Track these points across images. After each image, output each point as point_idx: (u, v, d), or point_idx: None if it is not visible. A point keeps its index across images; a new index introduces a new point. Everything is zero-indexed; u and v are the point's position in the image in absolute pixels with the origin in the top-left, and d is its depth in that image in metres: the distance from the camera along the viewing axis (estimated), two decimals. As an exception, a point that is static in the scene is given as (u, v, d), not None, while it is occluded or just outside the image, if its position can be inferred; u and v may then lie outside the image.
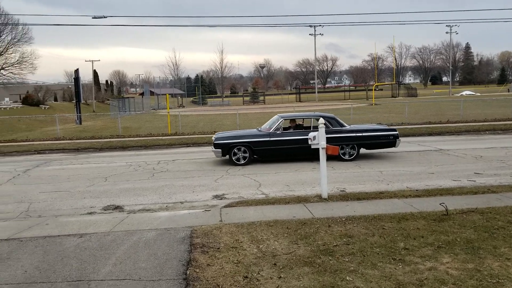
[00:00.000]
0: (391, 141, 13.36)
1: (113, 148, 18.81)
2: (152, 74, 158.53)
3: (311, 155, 12.88)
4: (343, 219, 6.85)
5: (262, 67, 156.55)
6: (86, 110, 55.54)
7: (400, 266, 4.99)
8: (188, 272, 4.97)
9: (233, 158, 13.13)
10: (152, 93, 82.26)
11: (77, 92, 40.03)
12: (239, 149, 13.13)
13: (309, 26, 71.66)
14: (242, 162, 13.07)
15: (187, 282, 4.73)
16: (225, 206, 8.07)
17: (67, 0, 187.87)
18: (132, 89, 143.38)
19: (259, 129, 14.02)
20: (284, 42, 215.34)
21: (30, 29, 64.14)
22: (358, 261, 5.16)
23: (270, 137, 13.14)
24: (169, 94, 33.46)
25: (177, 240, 6.12)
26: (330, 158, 13.05)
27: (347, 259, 5.23)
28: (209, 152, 16.18)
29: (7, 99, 68.40)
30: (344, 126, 13.40)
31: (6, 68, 64.76)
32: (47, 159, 16.14)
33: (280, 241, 5.92)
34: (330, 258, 5.29)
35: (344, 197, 8.32)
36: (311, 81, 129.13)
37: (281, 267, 5.07)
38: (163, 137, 21.91)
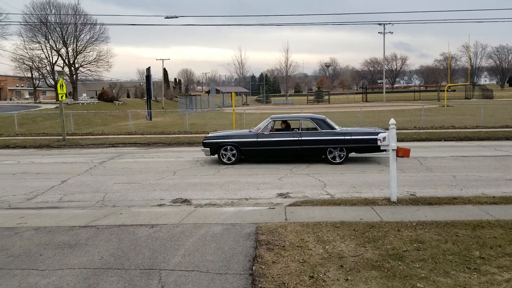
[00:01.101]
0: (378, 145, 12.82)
1: (180, 143, 19.42)
2: (218, 72, 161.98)
3: (296, 157, 13.16)
4: (413, 224, 6.60)
5: (327, 66, 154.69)
6: (156, 106, 57.79)
7: (475, 276, 4.72)
8: (254, 268, 5.03)
9: (222, 157, 13.27)
10: (217, 91, 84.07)
11: (148, 90, 41.78)
12: (226, 149, 13.26)
13: (378, 24, 69.65)
14: (231, 161, 13.16)
15: (253, 278, 4.77)
16: (290, 205, 8.06)
17: (140, 1, 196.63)
18: (199, 87, 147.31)
19: (251, 130, 13.92)
20: (351, 40, 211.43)
21: (106, 29, 67.84)
22: (430, 268, 4.95)
23: (257, 138, 13.17)
24: (234, 92, 33.99)
25: (243, 236, 6.20)
26: (317, 161, 13.35)
27: (417, 265, 5.04)
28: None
29: (84, 95, 72.85)
30: (334, 129, 13.12)
31: (84, 66, 68.95)
32: (120, 152, 16.99)
33: (347, 243, 5.82)
34: (399, 263, 5.12)
35: (414, 201, 8.01)
36: (379, 81, 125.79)
37: (348, 269, 4.98)
38: (229, 134, 22.27)
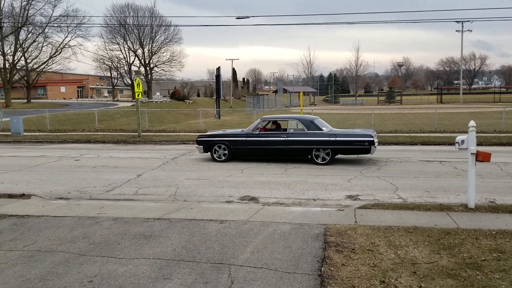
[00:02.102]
0: (365, 148, 12.70)
1: (248, 142, 19.64)
2: (286, 72, 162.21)
3: (283, 156, 13.50)
4: (493, 232, 6.19)
5: (400, 65, 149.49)
6: (224, 105, 58.99)
7: None
8: (323, 269, 4.97)
9: (214, 155, 13.89)
10: (285, 91, 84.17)
11: (217, 89, 42.82)
12: (219, 147, 13.86)
13: (456, 22, 66.13)
14: (222, 159, 13.76)
15: (322, 279, 4.73)
16: (360, 207, 7.88)
17: (211, 2, 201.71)
18: (266, 87, 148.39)
19: (243, 129, 14.37)
20: (425, 39, 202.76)
21: (180, 30, 70.31)
22: (511, 280, 4.62)
23: (247, 137, 13.65)
24: (302, 92, 33.84)
25: (311, 236, 6.16)
26: (303, 161, 13.49)
27: (497, 276, 4.73)
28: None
29: (158, 93, 76.04)
30: (321, 130, 13.20)
31: (159, 66, 71.97)
32: (190, 149, 17.53)
33: (420, 249, 5.59)
34: (477, 273, 4.83)
35: (494, 208, 7.52)
36: (455, 81, 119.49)
37: (421, 276, 4.78)
38: (296, 134, 22.23)
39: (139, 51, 69.41)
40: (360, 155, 13.88)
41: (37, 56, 60.37)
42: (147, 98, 62.93)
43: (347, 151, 13.13)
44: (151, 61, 70.34)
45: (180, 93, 65.67)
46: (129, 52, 69.54)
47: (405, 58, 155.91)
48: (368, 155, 13.60)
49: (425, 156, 14.56)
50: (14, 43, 57.01)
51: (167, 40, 69.68)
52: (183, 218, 7.22)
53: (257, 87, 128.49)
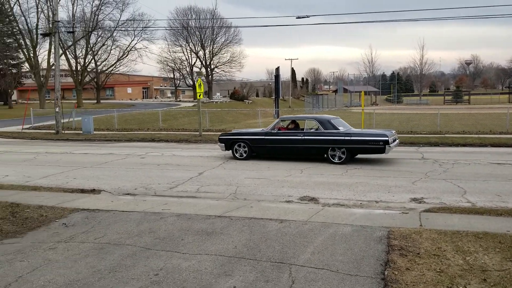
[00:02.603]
0: (380, 147, 12.69)
1: (308, 142, 19.53)
2: (346, 71, 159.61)
3: (299, 155, 13.84)
4: None
5: (468, 63, 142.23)
6: (283, 105, 59.02)
7: None
8: (386, 273, 4.84)
9: (235, 153, 14.46)
10: (345, 90, 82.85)
11: (276, 89, 42.91)
12: (239, 145, 14.39)
13: (531, 15, 61.75)
14: (243, 156, 14.28)
15: (385, 282, 4.60)
16: (425, 211, 7.59)
17: (270, 3, 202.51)
18: (326, 86, 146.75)
19: (263, 129, 14.80)
20: (496, 35, 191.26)
21: (240, 31, 71.23)
22: None
23: (265, 136, 14.08)
24: (363, 92, 33.10)
25: (374, 239, 6.01)
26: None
27: None
28: (405, 152, 15.50)
29: (218, 94, 77.53)
30: (338, 129, 13.31)
31: (219, 67, 73.35)
32: (250, 148, 17.68)
33: (491, 256, 5.29)
34: (557, 285, 4.49)
35: None
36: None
37: (492, 284, 4.53)
38: (357, 135, 21.81)
39: (201, 53, 71.18)
40: (376, 155, 13.82)
41: (106, 59, 63.70)
42: (207, 99, 64.37)
43: (362, 151, 13.23)
44: (211, 62, 71.87)
45: (239, 93, 66.56)
46: (191, 54, 71.53)
47: (473, 56, 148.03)
48: (383, 155, 13.53)
49: (496, 158, 13.75)
50: (85, 46, 60.48)
51: (227, 42, 70.96)
52: (244, 217, 7.31)
53: (316, 86, 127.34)
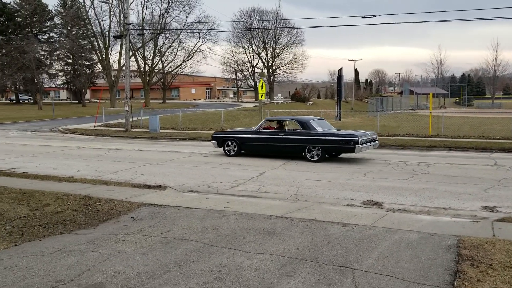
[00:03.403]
0: (350, 147, 13.55)
1: (371, 145, 19.07)
2: (413, 72, 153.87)
3: (280, 153, 14.92)
4: None
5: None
6: (345, 107, 58.05)
7: None
8: (455, 283, 4.61)
9: (225, 149, 15.66)
10: (411, 92, 79.98)
11: (339, 90, 42.28)
12: (230, 143, 15.57)
13: None
14: (232, 153, 15.49)
15: (455, 294, 4.38)
16: (498, 220, 7.15)
17: (333, 3, 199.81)
18: (390, 88, 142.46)
19: (252, 128, 16.09)
20: None
21: (302, 32, 70.93)
22: None
23: (252, 135, 15.33)
24: (431, 94, 31.77)
25: (442, 247, 5.74)
26: (295, 157, 14.60)
27: None
28: (476, 158, 14.72)
29: (279, 95, 77.72)
30: (315, 130, 14.15)
31: (281, 68, 73.49)
32: (311, 150, 17.54)
33: None
34: None
35: None
36: None
37: None
38: (423, 138, 21.01)
39: (263, 54, 71.71)
40: (348, 154, 14.74)
41: (172, 60, 65.91)
42: (268, 99, 64.72)
43: (335, 150, 14.30)
44: (273, 63, 72.18)
45: (300, 95, 66.31)
46: (253, 55, 72.26)
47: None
48: (354, 154, 14.46)
49: None
50: (153, 48, 62.95)
51: (289, 42, 70.97)
52: (305, 218, 7.26)
53: (381, 88, 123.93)
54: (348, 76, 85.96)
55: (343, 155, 15.00)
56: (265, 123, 15.61)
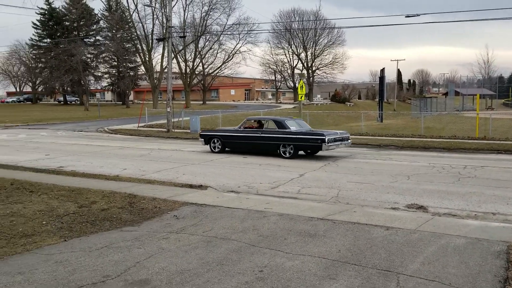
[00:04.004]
0: (318, 145, 14.69)
1: (414, 147, 18.62)
2: (458, 73, 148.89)
3: (258, 150, 16.22)
4: None
5: None
6: (387, 108, 56.88)
7: None
8: (507, 292, 4.43)
9: (211, 147, 16.97)
10: (456, 93, 77.41)
11: (381, 91, 41.51)
12: (215, 141, 16.89)
13: None
14: (217, 150, 16.76)
15: (507, 302, 4.21)
16: (553, 227, 6.80)
17: (375, 2, 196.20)
18: (435, 89, 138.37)
19: (235, 127, 17.72)
20: None
21: (343, 32, 70.13)
22: None
23: (233, 133, 16.73)
24: (478, 95, 30.62)
25: (492, 253, 5.53)
26: (270, 154, 15.88)
27: None
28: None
29: (318, 96, 77.17)
30: (289, 129, 15.39)
31: (321, 69, 72.95)
32: (351, 152, 17.33)
33: None
34: None
35: None
36: None
37: None
38: (469, 141, 20.28)
39: (302, 55, 71.43)
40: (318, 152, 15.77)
41: (212, 62, 66.78)
42: (308, 100, 64.36)
43: (305, 147, 15.39)
44: (313, 64, 71.73)
45: (340, 95, 65.53)
46: (292, 56, 72.12)
47: None
48: (321, 152, 15.64)
49: None
50: (194, 50, 64.00)
51: (330, 43, 70.35)
52: (347, 221, 7.17)
53: (424, 89, 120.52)
54: (390, 76, 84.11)
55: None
56: (246, 122, 17.01)
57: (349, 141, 16.13)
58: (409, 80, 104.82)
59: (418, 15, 21.30)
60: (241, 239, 6.21)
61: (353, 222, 7.11)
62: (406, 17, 23.57)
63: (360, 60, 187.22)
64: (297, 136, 15.21)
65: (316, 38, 69.75)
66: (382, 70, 42.15)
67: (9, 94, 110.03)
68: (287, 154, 15.19)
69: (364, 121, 32.47)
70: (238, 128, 16.83)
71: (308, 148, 15.38)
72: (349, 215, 7.58)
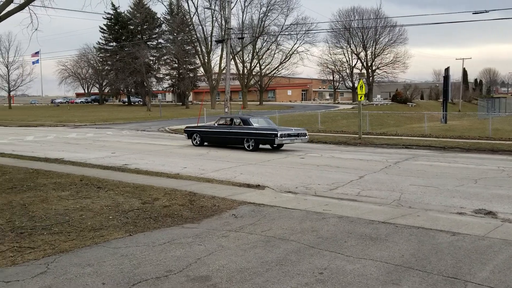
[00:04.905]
0: (271, 139, 17.10)
1: (481, 150, 17.65)
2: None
3: (228, 143, 18.81)
4: None
5: None
6: (451, 109, 54.38)
7: None
8: None
9: (193, 141, 19.62)
10: (528, 93, 72.57)
11: (445, 91, 39.74)
12: (196, 135, 19.54)
13: None
14: (197, 144, 19.37)
15: None
16: None
17: (438, 0, 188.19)
18: (503, 89, 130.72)
19: (212, 124, 21.18)
20: None
21: (405, 30, 67.95)
22: None
23: (209, 129, 19.78)
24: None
25: None
26: (236, 148, 18.36)
27: None
28: None
29: (378, 96, 75.21)
30: (252, 125, 17.92)
31: (381, 68, 71.11)
32: (414, 154, 16.74)
33: None
34: None
35: None
36: None
37: None
38: (544, 144, 18.91)
39: (362, 54, 70.00)
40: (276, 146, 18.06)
41: (270, 63, 67.01)
42: (367, 101, 62.91)
43: (262, 141, 17.55)
44: (373, 63, 70.05)
45: (402, 96, 63.52)
46: (351, 55, 70.88)
47: None
48: (274, 145, 17.98)
49: None
50: (251, 51, 64.58)
51: (391, 42, 68.42)
52: (410, 225, 6.92)
53: (492, 89, 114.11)
54: (455, 76, 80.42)
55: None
56: (219, 119, 19.80)
57: (306, 137, 18.22)
58: (476, 80, 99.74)
59: (486, 11, 20.14)
60: (300, 240, 6.16)
61: (417, 226, 6.85)
62: (473, 13, 22.30)
63: (423, 58, 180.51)
64: (257, 131, 17.59)
65: (377, 36, 68.10)
66: (447, 69, 40.30)
67: (78, 95, 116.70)
68: (250, 147, 17.46)
69: (427, 122, 31.23)
70: (213, 124, 19.87)
71: (265, 141, 17.58)
72: (412, 219, 7.31)
